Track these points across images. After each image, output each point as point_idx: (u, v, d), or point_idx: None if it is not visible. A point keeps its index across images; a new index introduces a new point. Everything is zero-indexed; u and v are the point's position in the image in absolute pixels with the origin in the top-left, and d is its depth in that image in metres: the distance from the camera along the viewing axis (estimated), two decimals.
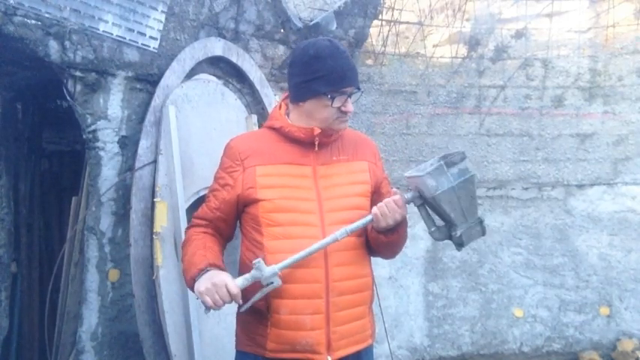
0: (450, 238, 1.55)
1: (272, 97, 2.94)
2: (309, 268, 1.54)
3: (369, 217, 1.55)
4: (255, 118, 2.79)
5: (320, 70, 1.60)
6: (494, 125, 3.64)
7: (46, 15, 2.22)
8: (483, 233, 1.58)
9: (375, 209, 1.54)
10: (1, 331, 2.76)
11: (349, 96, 1.61)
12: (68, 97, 2.39)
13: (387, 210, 1.52)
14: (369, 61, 3.59)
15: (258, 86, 2.92)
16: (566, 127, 3.68)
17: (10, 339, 2.94)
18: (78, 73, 2.35)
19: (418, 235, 3.41)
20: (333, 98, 1.58)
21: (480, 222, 1.55)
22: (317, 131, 1.61)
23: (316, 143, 1.62)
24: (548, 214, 3.65)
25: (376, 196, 1.66)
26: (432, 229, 1.56)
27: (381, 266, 3.26)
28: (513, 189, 3.63)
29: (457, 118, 3.59)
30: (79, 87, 2.38)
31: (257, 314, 1.57)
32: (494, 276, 3.58)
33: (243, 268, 1.64)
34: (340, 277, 1.56)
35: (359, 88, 1.64)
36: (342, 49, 1.65)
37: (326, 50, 1.61)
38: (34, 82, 2.88)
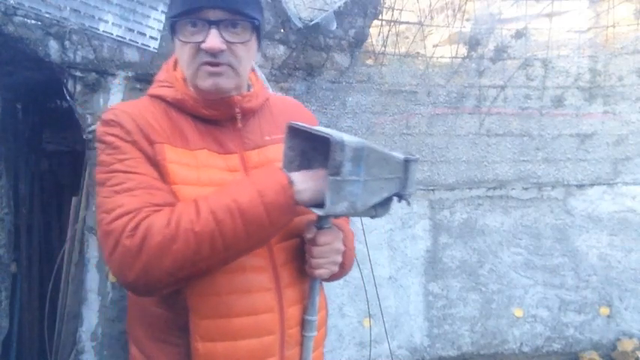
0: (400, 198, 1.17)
1: None
2: (258, 314, 1.06)
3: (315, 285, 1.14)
4: None
5: None
6: (494, 125, 3.63)
7: (46, 15, 2.22)
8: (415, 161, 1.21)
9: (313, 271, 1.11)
10: (1, 331, 2.76)
11: (217, 25, 1.03)
12: (68, 97, 2.39)
13: (319, 262, 1.10)
14: (369, 61, 3.58)
15: None
16: (566, 127, 3.67)
17: (10, 339, 2.94)
18: (78, 73, 2.35)
19: (418, 235, 3.40)
20: (185, 29, 1.06)
21: (407, 160, 1.14)
22: (237, 98, 1.10)
23: (238, 118, 1.13)
24: (548, 214, 3.65)
25: None
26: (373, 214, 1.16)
27: (381, 266, 3.26)
28: (513, 189, 3.63)
29: (457, 118, 3.58)
30: (79, 87, 2.38)
31: None
32: (495, 276, 3.58)
33: (134, 309, 1.19)
34: (297, 321, 1.12)
35: (245, 14, 1.06)
36: None
37: None
38: (34, 82, 2.88)
